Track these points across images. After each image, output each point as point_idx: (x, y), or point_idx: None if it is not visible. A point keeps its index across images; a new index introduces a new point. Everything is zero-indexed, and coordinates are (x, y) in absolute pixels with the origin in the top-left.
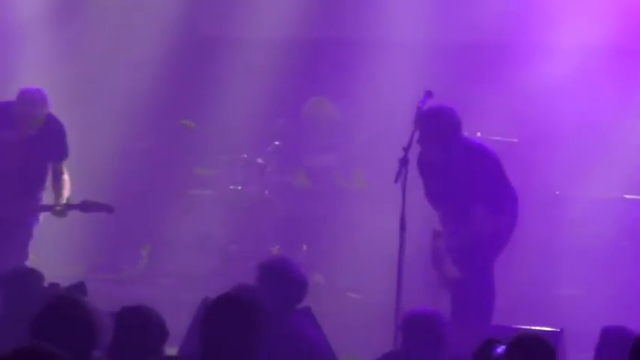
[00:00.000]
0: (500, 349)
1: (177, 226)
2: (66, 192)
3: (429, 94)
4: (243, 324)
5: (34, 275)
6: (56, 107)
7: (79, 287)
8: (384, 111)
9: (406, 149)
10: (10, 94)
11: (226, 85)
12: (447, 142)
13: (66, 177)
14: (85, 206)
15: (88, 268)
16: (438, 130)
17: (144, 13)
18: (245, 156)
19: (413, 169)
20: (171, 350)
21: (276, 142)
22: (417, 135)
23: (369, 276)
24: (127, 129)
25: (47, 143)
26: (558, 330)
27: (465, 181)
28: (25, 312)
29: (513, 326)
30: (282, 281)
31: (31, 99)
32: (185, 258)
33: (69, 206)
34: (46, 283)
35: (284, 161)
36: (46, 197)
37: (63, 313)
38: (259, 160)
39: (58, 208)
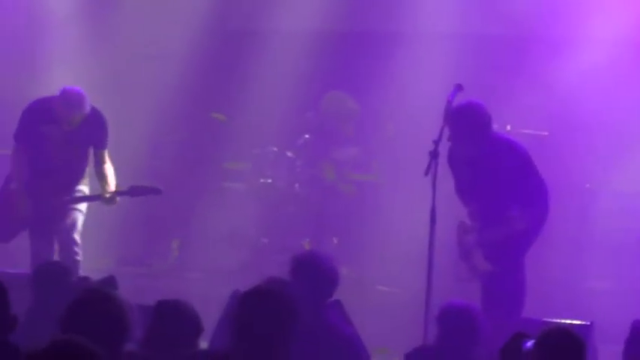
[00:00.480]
0: (530, 343)
1: (208, 219)
2: (112, 179)
3: (458, 88)
4: (275, 318)
5: (64, 269)
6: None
7: (109, 281)
8: (414, 104)
9: (436, 142)
10: (42, 89)
11: (256, 78)
12: (477, 140)
13: (110, 165)
14: (133, 191)
15: (118, 261)
16: (468, 127)
17: (174, 7)
18: (275, 149)
19: (443, 162)
20: (201, 344)
21: (306, 136)
22: (446, 130)
23: (399, 269)
24: (158, 123)
25: (88, 134)
26: (588, 323)
27: (495, 177)
28: (54, 306)
29: (543, 320)
30: (314, 275)
31: (71, 101)
32: (215, 251)
33: (118, 192)
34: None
35: (314, 155)
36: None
37: (94, 307)
38: (289, 154)
39: (107, 195)
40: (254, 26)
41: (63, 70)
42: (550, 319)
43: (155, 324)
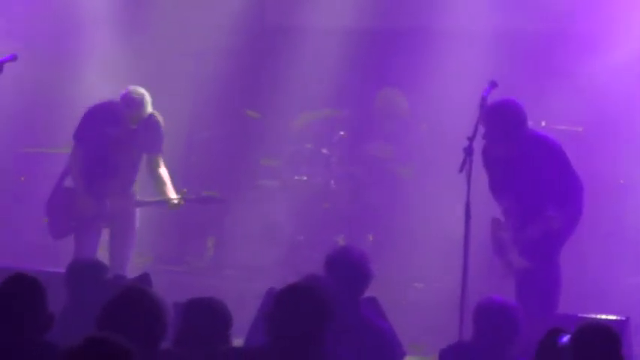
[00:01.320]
0: (565, 338)
1: (243, 217)
2: (170, 184)
3: (493, 84)
4: (311, 315)
5: (99, 267)
6: None
7: (144, 279)
8: (448, 101)
9: (471, 139)
10: (78, 90)
11: (291, 75)
12: (512, 137)
13: (165, 169)
14: (199, 199)
15: (154, 259)
16: (503, 125)
17: (210, 3)
18: (310, 146)
19: (477, 159)
20: (237, 341)
21: (341, 133)
22: (481, 127)
23: (434, 265)
24: (193, 120)
25: (145, 138)
26: (623, 319)
27: (531, 175)
28: (90, 304)
29: (578, 315)
30: (350, 271)
31: (133, 100)
32: (251, 249)
33: (185, 199)
34: (111, 275)
35: (349, 152)
36: (145, 190)
37: (130, 305)
38: (324, 151)
39: (175, 201)
40: (290, 23)
41: (101, 69)
42: (585, 315)
43: (186, 322)
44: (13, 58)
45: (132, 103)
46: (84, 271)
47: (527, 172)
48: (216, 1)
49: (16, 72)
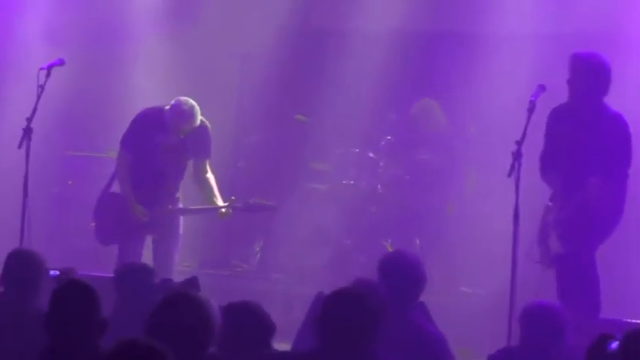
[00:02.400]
0: (615, 344)
1: (291, 220)
2: (217, 190)
3: (542, 88)
4: (361, 319)
5: (147, 271)
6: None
7: (192, 282)
8: (496, 104)
9: (519, 143)
10: (124, 93)
11: (339, 78)
12: (595, 101)
13: (212, 175)
14: (249, 207)
15: (201, 263)
16: (592, 82)
17: (258, 5)
18: (357, 150)
19: (526, 163)
20: (284, 346)
21: (388, 137)
22: (530, 129)
23: (482, 269)
24: (242, 123)
25: (194, 143)
26: None
27: (585, 150)
28: (137, 308)
29: (623, 320)
30: (405, 276)
31: (183, 113)
32: (298, 252)
33: (233, 207)
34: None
35: (396, 156)
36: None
37: (179, 310)
38: (371, 155)
39: (224, 210)
40: (338, 26)
41: (146, 71)
42: (633, 321)
43: (226, 326)
44: (60, 62)
45: (182, 115)
46: (132, 275)
47: (584, 147)
48: (263, 4)
49: (64, 75)
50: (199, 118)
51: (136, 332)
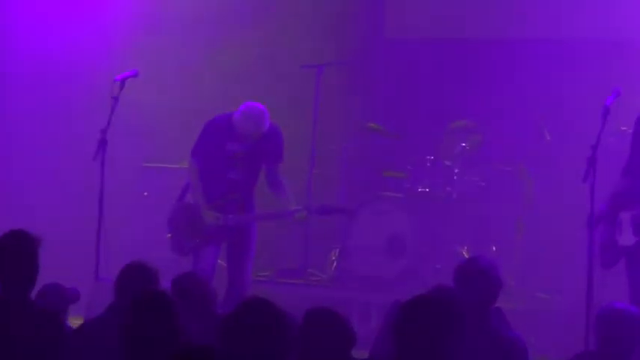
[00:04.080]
0: None
1: (367, 228)
2: (291, 194)
3: (617, 93)
4: (439, 326)
5: (198, 280)
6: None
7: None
8: (571, 109)
9: (594, 148)
10: (198, 103)
11: (412, 86)
12: None
13: (285, 179)
14: (323, 210)
15: (277, 272)
16: None
17: (330, 16)
18: (432, 158)
19: (601, 168)
20: (361, 354)
21: (463, 144)
22: (604, 135)
23: (558, 275)
24: (318, 132)
25: (266, 149)
26: None
27: None
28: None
29: None
30: (481, 281)
31: (251, 119)
32: (374, 260)
33: (308, 210)
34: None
35: (471, 163)
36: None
37: (255, 318)
38: (446, 162)
39: (301, 214)
40: (410, 34)
41: (220, 80)
42: None
43: (305, 335)
44: (134, 74)
45: (250, 120)
46: (185, 283)
47: None
48: (336, 14)
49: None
50: (268, 122)
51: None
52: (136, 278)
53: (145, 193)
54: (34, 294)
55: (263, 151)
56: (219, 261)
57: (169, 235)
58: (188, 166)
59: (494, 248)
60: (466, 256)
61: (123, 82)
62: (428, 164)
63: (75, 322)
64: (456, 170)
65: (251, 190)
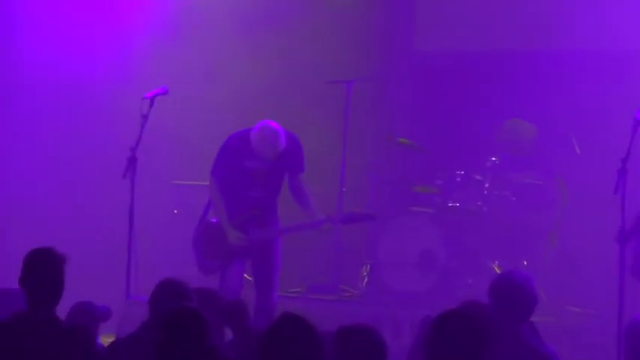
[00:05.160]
0: None
1: (398, 243)
2: (314, 204)
3: None
4: (471, 341)
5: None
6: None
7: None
8: (601, 122)
9: (624, 160)
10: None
11: (443, 100)
12: None
13: (307, 189)
14: (347, 218)
15: (308, 288)
16: None
17: (360, 29)
18: (462, 172)
19: (631, 181)
20: None
21: (493, 158)
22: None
23: (590, 289)
24: (348, 147)
25: (286, 162)
26: None
27: None
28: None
29: None
30: (514, 297)
31: (266, 140)
32: (405, 276)
33: (332, 221)
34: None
35: (502, 177)
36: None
37: (290, 334)
38: (477, 177)
39: (326, 226)
40: (443, 47)
41: (251, 96)
42: None
43: (337, 350)
44: (164, 91)
45: (264, 142)
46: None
47: None
48: (365, 28)
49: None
50: (283, 141)
51: None
52: (170, 295)
53: (175, 211)
54: (65, 312)
55: (283, 166)
56: (244, 275)
57: (194, 255)
58: (209, 185)
59: (525, 262)
60: (497, 270)
61: (152, 99)
62: (458, 179)
63: (106, 340)
64: (487, 185)
65: (273, 204)
